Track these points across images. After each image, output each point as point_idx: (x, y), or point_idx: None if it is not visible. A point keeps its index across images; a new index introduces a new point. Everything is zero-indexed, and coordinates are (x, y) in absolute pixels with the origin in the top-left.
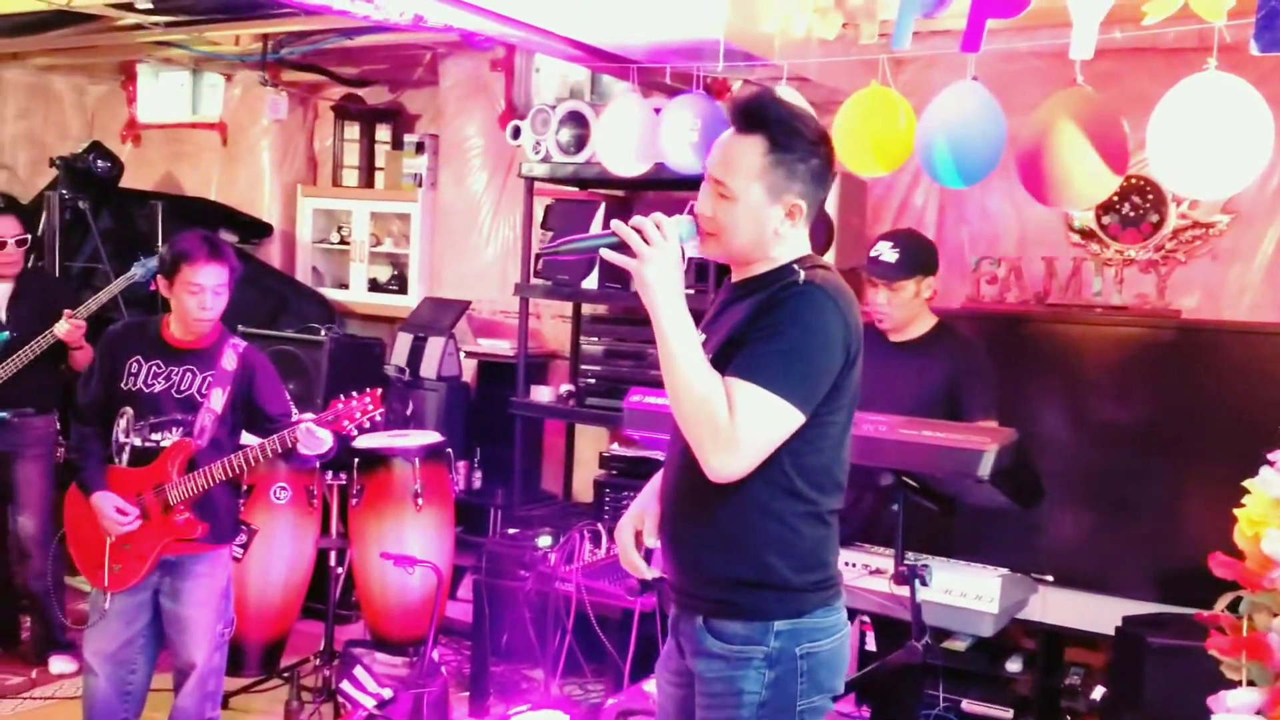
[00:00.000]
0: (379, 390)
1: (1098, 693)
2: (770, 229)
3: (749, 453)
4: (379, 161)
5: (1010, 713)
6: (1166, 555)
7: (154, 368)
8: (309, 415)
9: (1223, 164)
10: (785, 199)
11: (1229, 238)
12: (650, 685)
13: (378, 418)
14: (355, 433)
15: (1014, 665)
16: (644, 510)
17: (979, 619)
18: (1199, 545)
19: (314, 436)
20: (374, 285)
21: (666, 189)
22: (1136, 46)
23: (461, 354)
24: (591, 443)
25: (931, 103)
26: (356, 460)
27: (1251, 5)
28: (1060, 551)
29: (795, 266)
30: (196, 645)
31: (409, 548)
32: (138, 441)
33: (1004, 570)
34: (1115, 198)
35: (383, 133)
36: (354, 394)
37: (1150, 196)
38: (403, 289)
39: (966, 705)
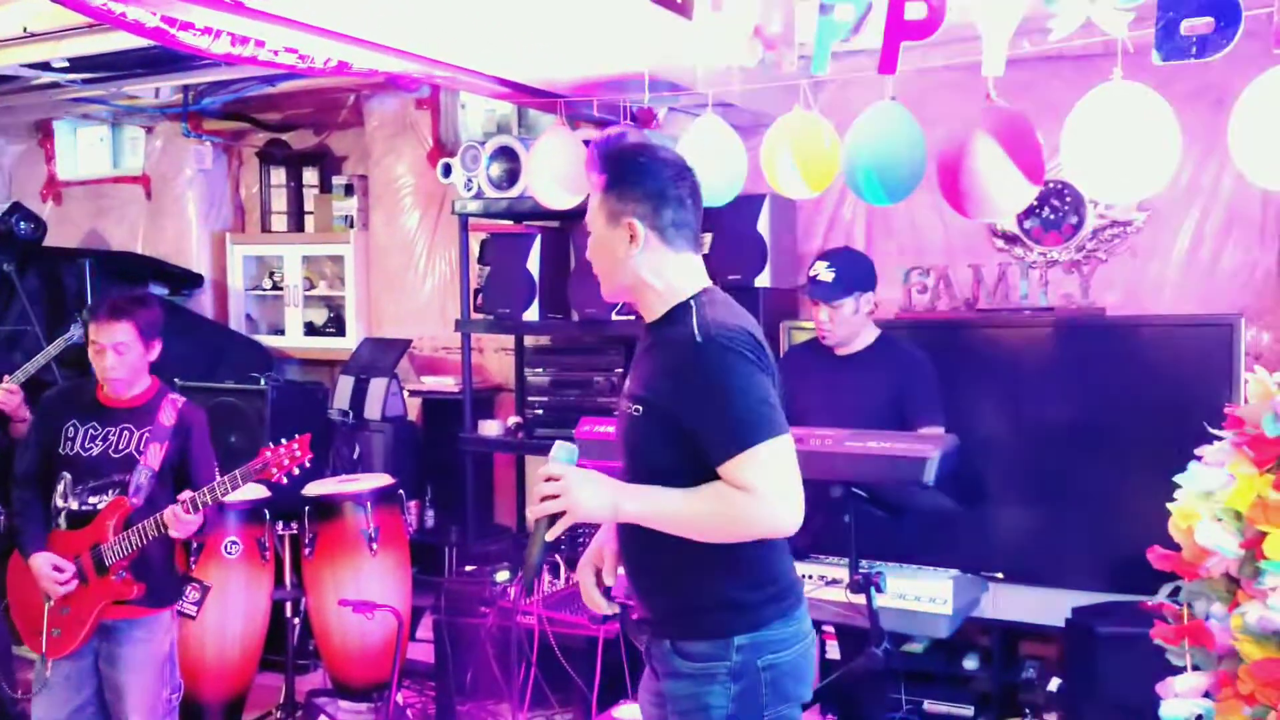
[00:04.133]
0: (308, 435)
1: (1054, 684)
2: (618, 254)
3: (794, 495)
4: (308, 205)
5: (971, 710)
6: (1109, 545)
7: (90, 430)
8: (237, 472)
9: (1135, 168)
10: (623, 221)
11: (1146, 234)
12: (620, 711)
13: (307, 464)
14: (285, 480)
15: (971, 663)
16: (601, 548)
17: (935, 621)
18: (1139, 534)
19: (181, 521)
20: (311, 329)
21: None
22: (1045, 55)
23: (405, 393)
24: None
25: (854, 125)
26: (307, 509)
27: (1151, 13)
28: (1006, 549)
29: (682, 312)
30: (136, 713)
31: (366, 593)
32: (75, 505)
33: (955, 571)
34: (1035, 202)
35: (310, 176)
36: (282, 440)
37: (1068, 199)
38: (340, 331)
39: (928, 706)
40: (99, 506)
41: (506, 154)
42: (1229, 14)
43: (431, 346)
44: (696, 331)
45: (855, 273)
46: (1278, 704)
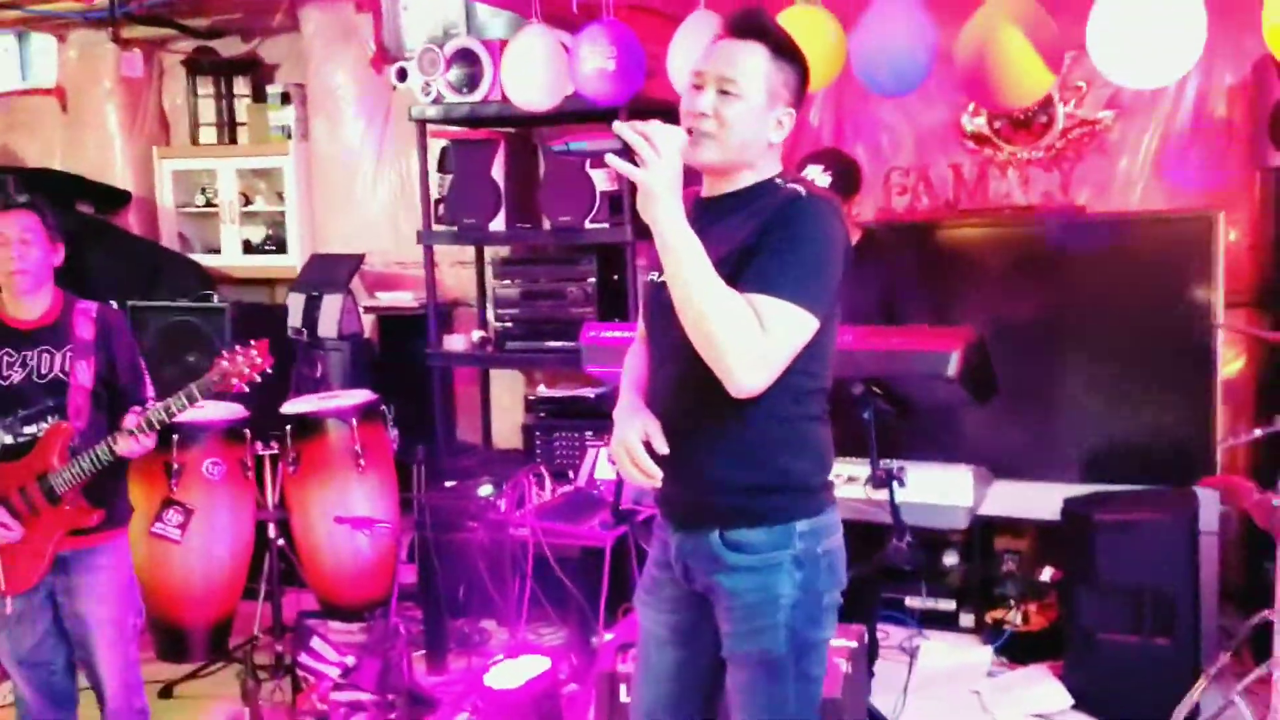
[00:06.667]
0: (265, 340)
1: (1046, 573)
2: (766, 134)
3: (778, 366)
4: (240, 116)
5: (954, 604)
6: (1091, 439)
7: (5, 357)
8: (193, 385)
9: (1163, 52)
10: (779, 107)
11: (1115, 133)
12: None
13: (269, 370)
14: (245, 389)
15: (950, 559)
16: (645, 419)
17: (955, 514)
18: (1121, 427)
19: (135, 443)
20: (249, 247)
21: (567, 122)
22: None
23: (361, 309)
24: (507, 388)
25: (866, 16)
26: (289, 427)
27: None
28: (989, 444)
29: (781, 180)
30: (101, 642)
31: (356, 510)
32: (9, 439)
33: (970, 466)
34: None
35: (241, 85)
36: (236, 347)
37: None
38: (281, 248)
39: (910, 602)
40: (36, 435)
41: (467, 56)
42: None
43: (383, 261)
44: (802, 190)
45: (848, 175)
46: None
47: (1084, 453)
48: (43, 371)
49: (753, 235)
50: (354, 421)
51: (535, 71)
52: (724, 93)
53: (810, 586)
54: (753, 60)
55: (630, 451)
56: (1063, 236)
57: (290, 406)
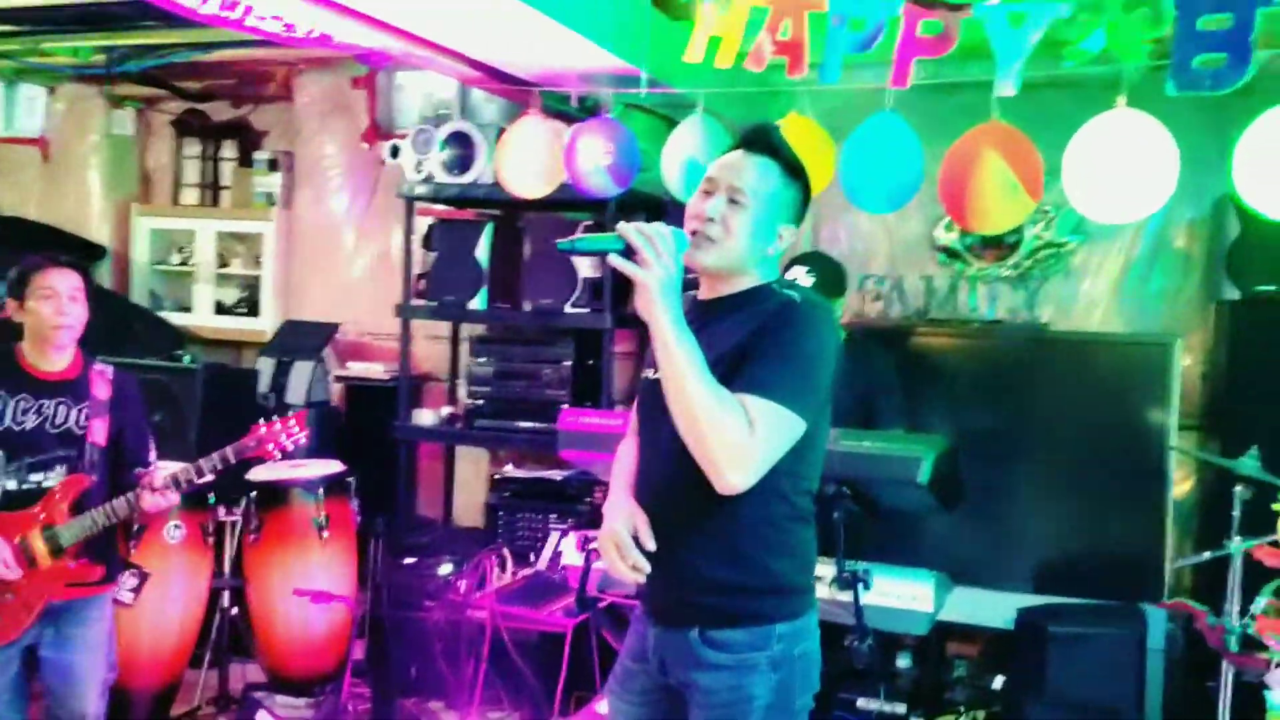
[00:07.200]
0: (302, 412)
1: (998, 681)
2: (766, 245)
3: (764, 465)
4: (225, 179)
5: (904, 707)
6: (1039, 551)
7: (21, 403)
8: (227, 449)
9: (1134, 191)
10: (782, 221)
11: (1080, 256)
12: (603, 706)
13: (302, 440)
14: (278, 456)
15: (903, 662)
16: (634, 513)
17: (916, 619)
18: (1073, 541)
19: (161, 500)
20: (221, 308)
21: (554, 209)
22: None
23: (330, 378)
24: (471, 465)
25: (854, 133)
26: (253, 494)
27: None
28: (946, 550)
29: (776, 286)
30: (87, 696)
31: (315, 582)
32: (13, 484)
33: (933, 572)
34: None
35: (228, 149)
36: (275, 417)
37: None
38: (253, 311)
39: (862, 703)
40: (44, 484)
41: (460, 139)
42: (1241, 52)
43: (356, 331)
44: (797, 295)
45: (833, 277)
46: None
47: (1037, 563)
48: (57, 422)
49: (748, 337)
50: (320, 492)
51: (532, 160)
52: (733, 201)
53: (784, 689)
54: (763, 175)
55: (619, 545)
56: (1026, 352)
57: (256, 474)
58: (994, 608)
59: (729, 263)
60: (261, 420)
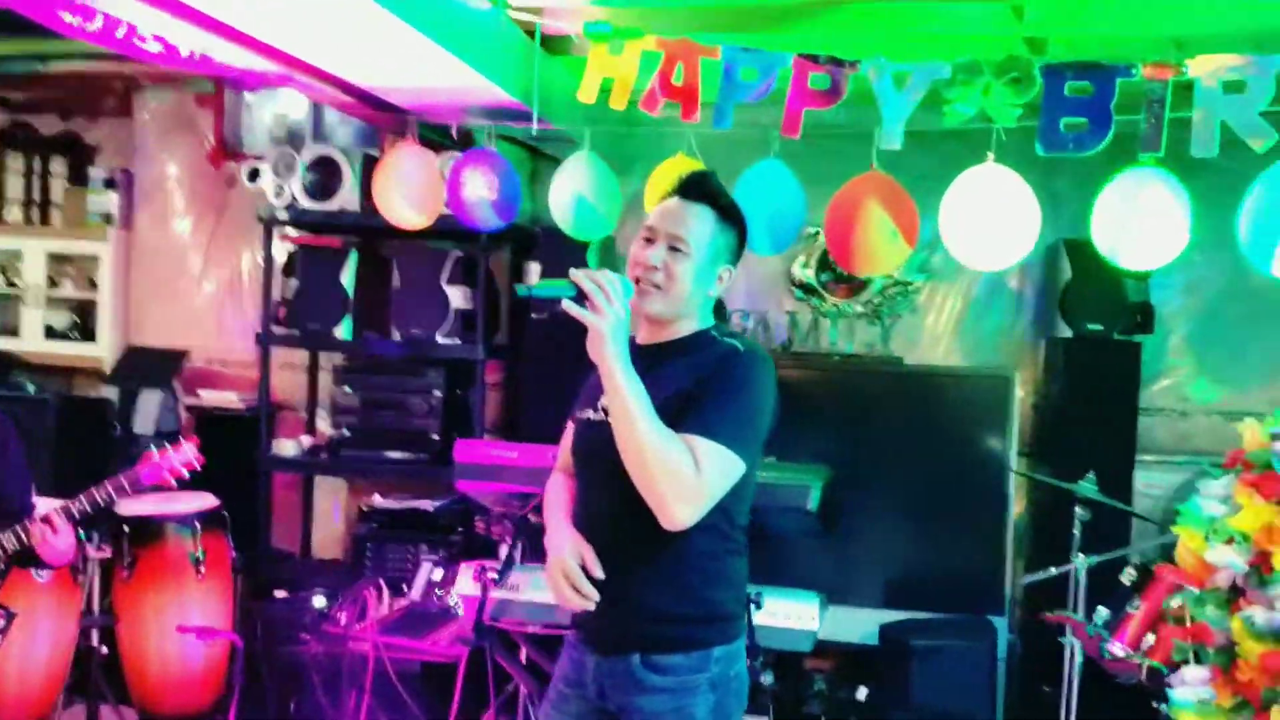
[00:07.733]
0: (194, 439)
1: (861, 693)
2: (706, 289)
3: (708, 503)
4: (55, 197)
5: None
6: (891, 570)
7: None
8: (121, 478)
9: (1003, 239)
10: (720, 264)
11: (925, 294)
12: None
13: (198, 467)
14: (174, 484)
15: (766, 678)
16: (580, 544)
17: (801, 637)
18: (919, 559)
19: (53, 537)
20: (50, 332)
21: (422, 238)
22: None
23: (180, 407)
24: (327, 497)
25: (741, 178)
26: (126, 529)
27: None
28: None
29: (716, 334)
30: None
31: (191, 620)
32: None
33: (818, 594)
34: (832, 258)
35: (57, 165)
36: (166, 444)
37: None
38: (88, 336)
39: None
40: None
41: (326, 164)
42: (1102, 119)
43: (205, 358)
44: (739, 345)
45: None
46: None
47: (890, 581)
48: None
49: (693, 384)
50: (197, 526)
51: (411, 190)
52: (674, 249)
53: (721, 709)
54: (701, 222)
55: (569, 574)
56: (880, 384)
57: (128, 507)
58: (854, 624)
59: (674, 309)
60: (153, 448)
